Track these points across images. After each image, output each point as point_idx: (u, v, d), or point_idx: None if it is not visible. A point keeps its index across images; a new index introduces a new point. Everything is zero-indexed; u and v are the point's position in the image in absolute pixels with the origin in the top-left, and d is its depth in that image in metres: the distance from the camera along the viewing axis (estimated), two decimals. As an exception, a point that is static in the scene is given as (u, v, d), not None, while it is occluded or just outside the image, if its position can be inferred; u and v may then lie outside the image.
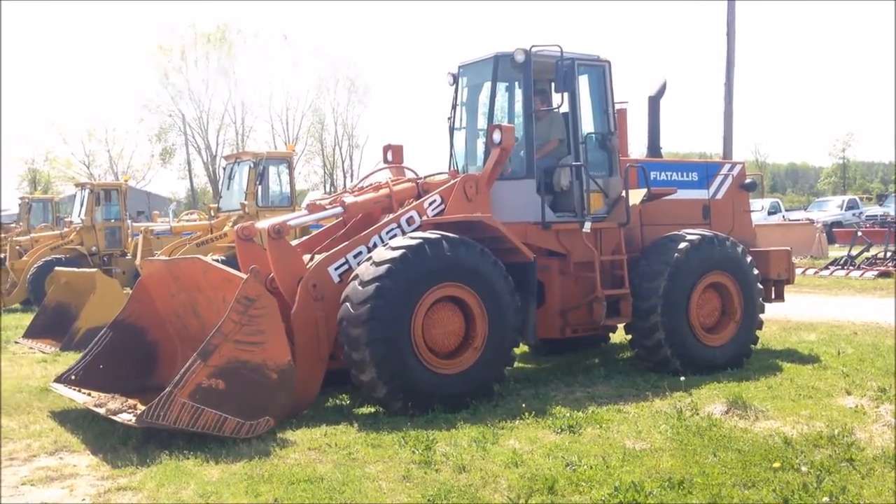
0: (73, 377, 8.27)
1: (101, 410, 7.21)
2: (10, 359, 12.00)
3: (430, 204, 8.77)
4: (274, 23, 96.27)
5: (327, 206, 9.10)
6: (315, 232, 9.95)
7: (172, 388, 6.51)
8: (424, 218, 8.63)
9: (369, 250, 8.15)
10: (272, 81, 77.39)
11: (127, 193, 23.59)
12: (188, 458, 6.28)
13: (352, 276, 7.77)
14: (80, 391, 8.01)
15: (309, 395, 7.84)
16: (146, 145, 73.01)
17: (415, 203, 8.82)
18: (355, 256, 8.15)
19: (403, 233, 8.43)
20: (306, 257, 8.53)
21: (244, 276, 7.11)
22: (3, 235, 25.25)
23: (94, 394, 7.89)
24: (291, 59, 66.16)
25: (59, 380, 8.35)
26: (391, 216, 8.68)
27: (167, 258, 9.21)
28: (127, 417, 6.84)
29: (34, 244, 22.62)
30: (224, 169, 20.72)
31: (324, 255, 8.25)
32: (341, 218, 9.31)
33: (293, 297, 7.86)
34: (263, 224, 8.37)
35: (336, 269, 8.07)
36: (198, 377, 6.60)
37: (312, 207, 9.17)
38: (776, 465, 5.81)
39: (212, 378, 6.65)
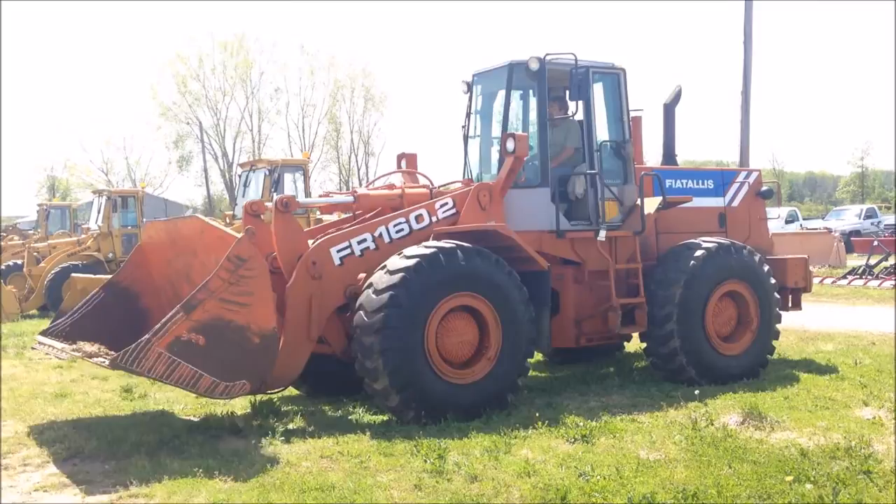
0: (58, 331, 8.13)
1: (78, 354, 7.08)
2: (27, 364, 12.08)
3: (442, 206, 8.73)
4: (291, 31, 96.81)
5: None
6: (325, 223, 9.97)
7: (151, 336, 6.37)
8: (435, 219, 8.61)
9: (374, 239, 8.20)
10: (289, 89, 77.71)
11: (144, 200, 23.73)
12: (200, 466, 6.27)
13: (366, 284, 7.75)
14: (61, 342, 7.86)
15: (291, 371, 7.78)
16: (164, 153, 73.75)
17: (426, 202, 8.80)
18: (359, 242, 8.15)
19: (411, 228, 8.43)
20: (311, 242, 8.51)
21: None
22: (4, 243, 25.43)
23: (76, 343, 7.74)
24: (308, 67, 66.00)
25: (44, 333, 8.24)
26: (401, 210, 8.67)
27: (167, 219, 9.20)
28: (101, 361, 6.71)
29: (52, 250, 22.82)
30: (240, 176, 20.81)
31: (328, 235, 8.25)
32: (352, 213, 9.32)
33: (292, 272, 7.82)
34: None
35: (338, 250, 8.06)
36: (178, 329, 6.46)
37: (324, 196, 9.23)
38: (791, 476, 5.75)
39: (192, 332, 6.51)
